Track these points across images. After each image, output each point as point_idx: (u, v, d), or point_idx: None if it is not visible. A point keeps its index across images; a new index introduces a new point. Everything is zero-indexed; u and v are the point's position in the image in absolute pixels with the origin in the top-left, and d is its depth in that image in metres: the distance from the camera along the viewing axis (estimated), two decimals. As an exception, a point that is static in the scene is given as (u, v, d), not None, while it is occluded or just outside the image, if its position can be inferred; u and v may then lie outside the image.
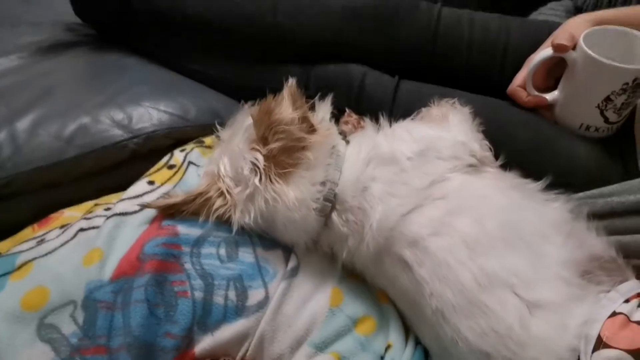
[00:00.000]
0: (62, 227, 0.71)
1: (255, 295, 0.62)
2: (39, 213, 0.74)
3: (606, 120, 0.74)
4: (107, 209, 0.72)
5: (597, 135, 0.77)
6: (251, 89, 0.84)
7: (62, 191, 0.77)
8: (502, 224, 0.58)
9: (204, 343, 0.60)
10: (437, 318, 0.57)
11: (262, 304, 0.61)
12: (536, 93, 0.79)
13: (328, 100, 0.71)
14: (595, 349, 0.50)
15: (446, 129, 0.67)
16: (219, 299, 0.61)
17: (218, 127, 0.75)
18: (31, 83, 0.84)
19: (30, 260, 0.64)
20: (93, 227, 0.68)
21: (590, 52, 0.70)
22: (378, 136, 0.67)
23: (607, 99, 0.71)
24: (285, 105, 0.64)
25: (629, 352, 0.48)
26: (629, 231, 0.62)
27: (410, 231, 0.59)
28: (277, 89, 0.67)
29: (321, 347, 0.60)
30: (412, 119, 0.74)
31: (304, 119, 0.64)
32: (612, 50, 0.70)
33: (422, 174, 0.62)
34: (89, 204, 0.75)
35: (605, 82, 0.71)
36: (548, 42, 0.79)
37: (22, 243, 0.69)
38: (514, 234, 0.57)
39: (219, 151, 0.69)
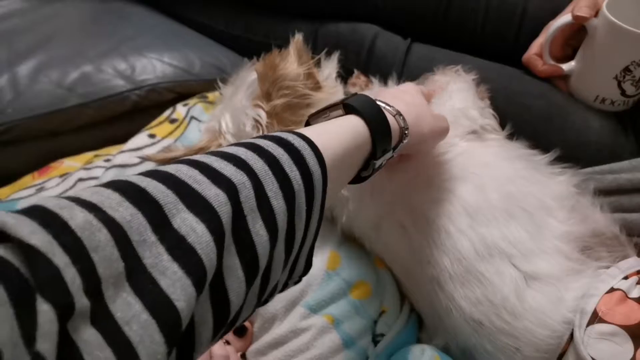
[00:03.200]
0: (61, 176, 0.70)
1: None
2: (39, 161, 0.74)
3: (623, 92, 0.72)
4: (107, 160, 0.71)
5: (612, 109, 0.74)
6: (258, 44, 0.82)
7: (62, 140, 0.76)
8: (505, 194, 0.57)
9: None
10: (433, 285, 0.56)
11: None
12: (552, 62, 0.76)
13: (335, 57, 0.69)
14: (590, 323, 0.49)
15: (445, 95, 0.65)
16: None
17: (220, 83, 0.73)
18: (34, 27, 0.83)
19: (28, 208, 0.64)
20: (92, 178, 0.68)
21: (612, 17, 0.67)
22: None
23: (626, 70, 0.69)
24: (291, 61, 0.62)
25: (624, 327, 0.48)
26: (635, 209, 0.60)
27: (411, 196, 0.58)
28: (283, 45, 0.65)
29: (315, 309, 0.60)
30: (418, 83, 0.72)
31: (310, 75, 0.63)
32: (636, 18, 0.67)
33: None
34: (88, 154, 0.75)
35: (626, 50, 0.68)
36: (569, 8, 0.76)
37: (22, 190, 0.69)
38: (516, 205, 0.56)
39: (221, 107, 0.68)
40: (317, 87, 0.64)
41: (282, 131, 0.39)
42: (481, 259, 0.54)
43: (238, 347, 0.59)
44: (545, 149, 0.65)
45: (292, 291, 0.61)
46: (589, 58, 0.73)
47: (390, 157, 0.47)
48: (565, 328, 0.50)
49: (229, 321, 0.31)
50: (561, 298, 0.51)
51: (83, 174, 0.69)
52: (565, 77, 0.77)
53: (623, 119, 0.76)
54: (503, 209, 0.56)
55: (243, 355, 0.59)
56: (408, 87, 0.57)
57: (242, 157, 0.33)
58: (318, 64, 0.68)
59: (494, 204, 0.56)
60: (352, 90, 0.78)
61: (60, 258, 0.23)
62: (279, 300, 0.60)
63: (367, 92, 0.66)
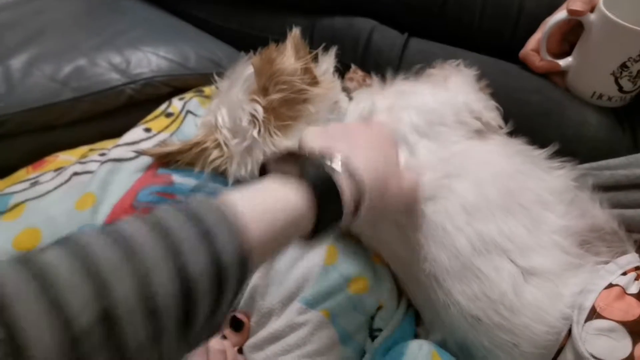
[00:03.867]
0: (56, 170, 0.70)
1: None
2: (34, 155, 0.73)
3: (620, 88, 0.72)
4: (102, 154, 0.70)
5: (610, 105, 0.75)
6: (254, 38, 0.81)
7: (57, 134, 0.75)
8: (503, 189, 0.57)
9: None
10: (430, 281, 0.56)
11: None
12: (549, 58, 0.76)
13: (332, 52, 0.68)
14: (588, 319, 0.49)
15: (446, 90, 0.65)
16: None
17: (217, 77, 0.72)
18: (27, 20, 0.81)
19: (23, 202, 0.64)
20: (87, 172, 0.68)
21: (608, 13, 0.67)
22: (378, 95, 0.65)
23: (623, 66, 0.69)
24: (288, 55, 0.62)
25: (622, 323, 0.48)
26: (633, 205, 0.60)
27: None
28: (280, 40, 0.65)
29: (312, 304, 0.60)
30: (416, 77, 0.71)
31: (307, 70, 0.62)
32: (632, 14, 0.67)
33: None
34: (83, 148, 0.74)
35: (623, 46, 0.68)
36: (565, 4, 0.75)
37: (16, 184, 0.68)
38: (513, 200, 0.56)
39: (217, 101, 0.67)
40: (314, 82, 0.63)
41: (205, 198, 0.35)
42: (478, 254, 0.54)
43: (235, 341, 0.59)
44: (542, 145, 0.64)
45: (289, 286, 0.60)
46: (586, 54, 0.73)
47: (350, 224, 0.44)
48: (563, 324, 0.50)
49: None
50: (559, 294, 0.51)
51: (78, 168, 0.69)
52: (562, 73, 0.77)
53: (620, 115, 0.76)
54: (500, 204, 0.56)
55: (240, 350, 0.59)
56: (378, 133, 0.50)
57: (138, 240, 0.31)
58: (315, 58, 0.68)
59: (491, 199, 0.56)
60: (350, 85, 0.77)
61: None
62: (276, 295, 0.60)
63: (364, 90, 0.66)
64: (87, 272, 0.28)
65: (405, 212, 0.58)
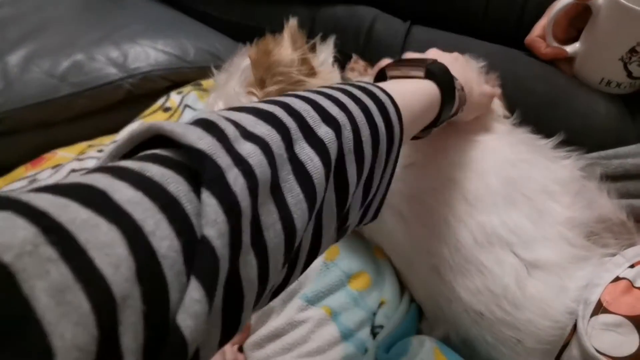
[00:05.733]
0: (54, 167, 0.69)
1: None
2: (32, 153, 0.73)
3: (629, 74, 0.69)
4: (100, 151, 0.70)
5: (618, 92, 0.72)
6: (254, 30, 0.80)
7: (55, 131, 0.75)
8: (506, 179, 0.55)
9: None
10: (432, 275, 0.55)
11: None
12: (556, 44, 0.74)
13: (330, 42, 0.67)
14: (594, 313, 0.48)
15: None
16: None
17: (214, 70, 0.71)
18: (24, 16, 0.81)
19: (20, 200, 0.63)
20: (85, 169, 0.67)
21: (617, -3, 0.64)
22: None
23: (632, 51, 0.67)
24: (285, 46, 0.60)
25: (629, 318, 0.46)
26: (642, 194, 0.59)
27: (409, 184, 0.57)
28: (280, 31, 0.63)
29: (313, 301, 0.59)
30: None
31: (304, 61, 0.61)
32: (642, -3, 0.65)
33: None
34: (82, 145, 0.74)
35: (632, 30, 0.66)
36: (573, -12, 0.73)
37: (15, 182, 0.68)
38: (517, 191, 0.54)
39: (214, 94, 0.66)
40: (312, 73, 0.62)
41: (363, 82, 0.40)
42: (481, 247, 0.53)
43: (235, 339, 0.58)
44: (549, 134, 0.63)
45: (290, 282, 0.59)
46: (594, 39, 0.71)
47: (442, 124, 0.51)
48: (568, 318, 0.49)
49: (319, 253, 0.34)
50: (564, 287, 0.50)
51: (76, 164, 0.68)
52: (569, 59, 0.75)
53: (629, 102, 0.73)
54: (503, 195, 0.54)
55: (240, 348, 0.58)
56: (462, 59, 0.59)
57: (342, 100, 0.35)
58: (313, 49, 0.66)
59: (494, 190, 0.54)
60: (350, 75, 0.76)
61: (223, 160, 0.25)
62: (276, 292, 0.59)
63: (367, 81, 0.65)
64: (325, 117, 0.32)
65: (409, 202, 0.57)
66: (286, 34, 0.61)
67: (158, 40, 0.80)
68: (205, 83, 0.79)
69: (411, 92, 0.44)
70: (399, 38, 0.80)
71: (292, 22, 0.62)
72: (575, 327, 0.49)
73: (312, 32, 0.81)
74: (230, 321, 0.25)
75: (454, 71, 0.51)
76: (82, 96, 0.74)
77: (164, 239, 0.21)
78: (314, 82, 0.61)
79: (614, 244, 0.52)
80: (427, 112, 0.46)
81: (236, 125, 0.28)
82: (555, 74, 0.76)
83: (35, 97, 0.73)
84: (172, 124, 0.26)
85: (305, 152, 0.30)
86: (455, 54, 0.59)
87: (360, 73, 0.77)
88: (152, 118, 0.71)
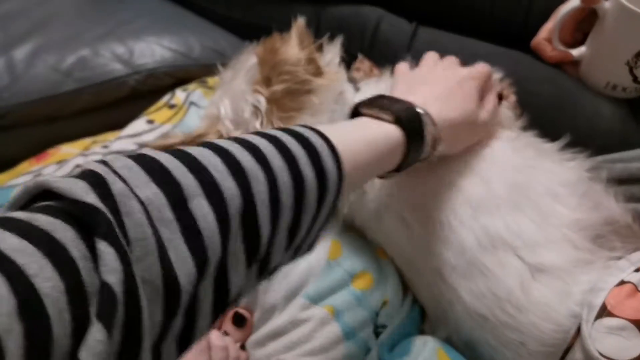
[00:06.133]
0: (58, 162, 0.69)
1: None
2: (37, 148, 0.73)
3: (635, 79, 0.69)
4: (105, 147, 0.70)
5: (624, 96, 0.72)
6: (259, 28, 0.80)
7: (59, 126, 0.75)
8: (510, 183, 0.55)
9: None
10: (435, 278, 0.55)
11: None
12: (562, 47, 0.74)
13: (337, 42, 0.67)
14: (598, 317, 0.47)
15: None
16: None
17: (220, 67, 0.71)
18: (30, 11, 0.81)
19: (25, 195, 0.63)
20: (89, 164, 0.67)
21: (623, 0, 0.64)
22: (385, 86, 0.63)
23: (638, 55, 0.67)
24: (292, 45, 0.60)
25: (633, 322, 0.46)
26: (648, 199, 0.59)
27: (412, 190, 0.57)
28: (285, 29, 0.63)
29: (316, 300, 0.59)
30: None
31: (311, 61, 0.61)
32: (649, 2, 0.65)
33: None
34: (86, 140, 0.74)
35: (638, 35, 0.66)
36: (580, -9, 0.73)
37: (19, 177, 0.68)
38: (521, 194, 0.54)
39: (220, 92, 0.66)
40: (318, 72, 0.62)
41: (303, 127, 0.41)
42: (484, 250, 0.52)
43: (237, 337, 0.58)
44: (554, 136, 0.63)
45: (292, 281, 0.59)
46: (600, 43, 0.71)
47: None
48: (571, 322, 0.49)
49: (229, 300, 0.34)
50: (568, 291, 0.50)
51: (80, 160, 0.68)
52: (575, 63, 0.75)
53: (634, 105, 0.74)
54: (507, 198, 0.54)
55: (242, 346, 0.58)
56: (458, 78, 0.55)
57: (263, 151, 0.36)
58: (320, 48, 0.66)
59: (498, 193, 0.54)
60: (356, 75, 0.76)
61: (108, 215, 0.27)
62: (279, 291, 0.59)
63: (372, 81, 0.65)
64: (235, 170, 0.33)
65: (412, 207, 0.57)
66: (293, 33, 0.61)
67: (163, 37, 0.80)
68: (211, 80, 0.79)
69: (362, 139, 0.44)
70: (404, 38, 0.81)
71: (300, 21, 0.62)
72: (578, 330, 0.49)
73: (317, 31, 0.81)
74: None
75: (440, 99, 0.51)
76: (87, 92, 0.74)
77: (47, 280, 0.23)
78: (320, 82, 0.61)
79: (620, 247, 0.52)
80: (385, 157, 0.45)
81: (124, 182, 0.29)
82: (560, 76, 0.76)
83: (40, 92, 0.73)
84: (60, 181, 0.28)
85: (200, 209, 0.31)
86: (455, 73, 0.56)
87: (366, 73, 0.76)
88: (157, 115, 0.71)
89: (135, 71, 0.76)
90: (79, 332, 0.24)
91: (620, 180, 0.59)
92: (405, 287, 0.63)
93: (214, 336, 0.55)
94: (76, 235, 0.25)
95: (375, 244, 0.64)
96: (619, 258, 0.51)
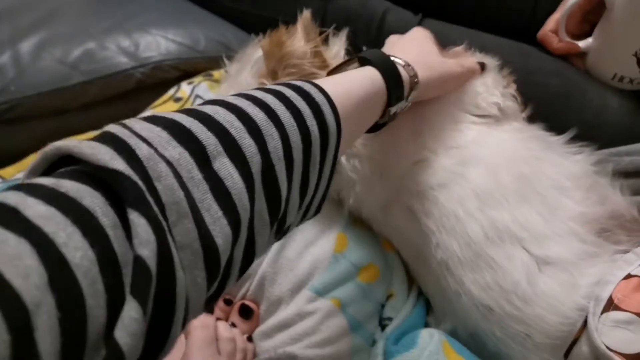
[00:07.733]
0: (66, 155, 0.69)
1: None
2: (44, 140, 0.72)
3: (643, 71, 0.69)
4: (111, 140, 0.70)
5: (631, 88, 0.72)
6: (265, 20, 0.80)
7: (66, 119, 0.75)
8: (518, 175, 0.55)
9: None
10: (442, 270, 0.55)
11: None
12: (568, 39, 0.73)
13: (343, 35, 0.67)
14: (605, 310, 0.48)
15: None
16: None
17: (226, 60, 0.71)
18: (36, 4, 0.81)
19: (32, 187, 0.64)
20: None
21: (632, -8, 0.64)
22: None
23: (647, 47, 0.66)
24: (298, 38, 0.60)
25: (640, 315, 0.46)
26: (654, 192, 0.58)
27: (418, 181, 0.57)
28: (291, 22, 0.63)
29: (322, 292, 0.59)
30: None
31: (317, 54, 0.61)
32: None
33: None
34: (93, 134, 0.74)
35: (647, 26, 0.66)
36: (588, -17, 0.72)
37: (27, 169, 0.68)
38: (528, 186, 0.54)
39: (225, 85, 0.66)
40: (324, 65, 0.62)
41: (300, 80, 0.41)
42: (491, 243, 0.53)
43: (244, 329, 0.59)
44: (561, 128, 0.62)
45: (299, 274, 0.60)
46: (607, 34, 0.71)
47: (404, 105, 0.51)
48: (578, 315, 0.49)
49: (251, 263, 0.34)
50: (575, 284, 0.50)
51: (87, 153, 0.68)
52: (582, 54, 0.74)
53: (643, 98, 0.73)
54: (515, 191, 0.54)
55: (249, 338, 0.59)
56: (417, 34, 0.60)
57: (272, 106, 0.35)
58: (326, 41, 0.66)
59: (506, 186, 0.54)
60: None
61: (139, 181, 0.26)
62: (285, 283, 0.59)
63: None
64: (250, 128, 0.32)
65: (418, 198, 0.57)
66: (299, 26, 0.61)
67: (169, 30, 0.80)
68: (216, 73, 0.78)
69: (345, 82, 0.44)
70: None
71: (306, 14, 0.62)
72: (585, 323, 0.49)
73: (324, 23, 0.80)
74: (158, 334, 0.26)
75: (404, 50, 0.53)
76: (93, 85, 0.74)
77: (77, 250, 0.22)
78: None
79: (626, 241, 0.52)
80: (373, 95, 0.46)
81: (148, 144, 0.28)
82: (567, 68, 0.75)
83: (47, 84, 0.73)
84: (80, 144, 0.26)
85: (225, 168, 0.30)
86: (413, 34, 0.60)
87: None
88: (163, 108, 0.72)
89: (141, 64, 0.76)
90: (113, 303, 0.23)
91: (627, 174, 0.59)
92: (411, 279, 0.64)
93: (222, 328, 0.56)
94: (105, 202, 0.24)
95: (381, 237, 0.64)
96: (625, 251, 0.51)
